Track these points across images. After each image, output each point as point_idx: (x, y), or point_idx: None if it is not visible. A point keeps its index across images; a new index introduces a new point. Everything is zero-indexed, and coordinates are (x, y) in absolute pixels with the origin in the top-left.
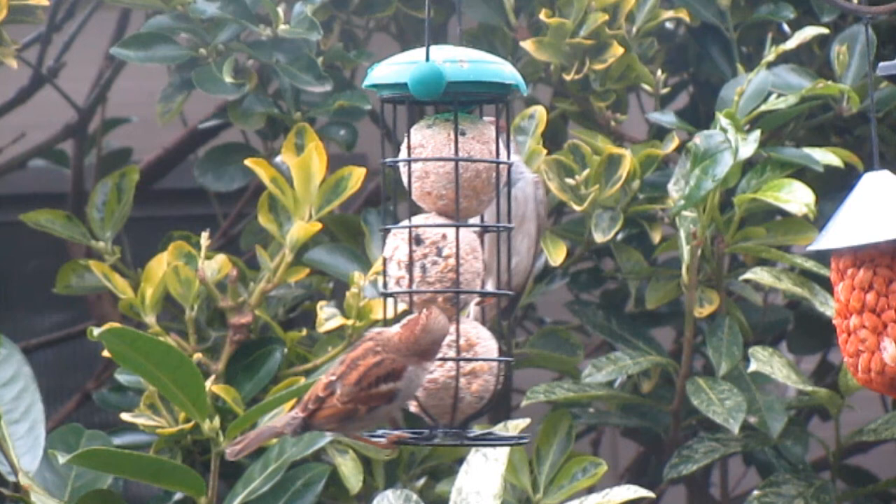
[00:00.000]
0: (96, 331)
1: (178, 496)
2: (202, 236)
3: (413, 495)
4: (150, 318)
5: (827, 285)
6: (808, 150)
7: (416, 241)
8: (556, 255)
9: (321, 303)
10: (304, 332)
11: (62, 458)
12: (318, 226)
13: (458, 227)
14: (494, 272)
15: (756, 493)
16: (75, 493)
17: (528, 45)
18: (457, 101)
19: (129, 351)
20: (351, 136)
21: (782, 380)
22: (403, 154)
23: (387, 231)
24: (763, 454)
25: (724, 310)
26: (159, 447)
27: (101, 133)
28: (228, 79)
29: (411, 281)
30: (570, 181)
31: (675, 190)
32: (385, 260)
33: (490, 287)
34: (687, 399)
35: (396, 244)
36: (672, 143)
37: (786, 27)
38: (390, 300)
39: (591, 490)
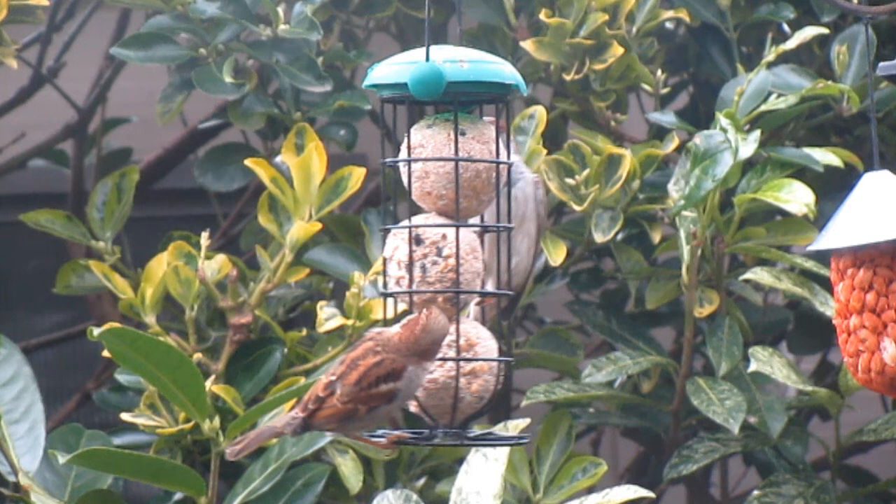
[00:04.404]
0: (96, 331)
1: (178, 496)
2: (202, 236)
3: (413, 495)
4: (150, 318)
5: (827, 285)
6: (808, 150)
7: (416, 241)
8: (556, 255)
9: (321, 303)
10: (304, 332)
11: (62, 458)
12: (318, 226)
13: (458, 227)
14: (494, 272)
15: (756, 493)
16: (75, 493)
17: (528, 45)
18: (457, 101)
19: (129, 351)
20: (351, 136)
21: (782, 380)
22: (403, 154)
23: (387, 231)
24: (763, 454)
25: (724, 310)
26: (159, 447)
27: (101, 133)
28: (228, 79)
29: (411, 281)
30: (570, 181)
31: (675, 190)
32: (385, 260)
33: (490, 287)
34: (687, 399)
35: (396, 244)
36: (672, 143)
37: (786, 27)
38: (390, 300)
39: (591, 490)
